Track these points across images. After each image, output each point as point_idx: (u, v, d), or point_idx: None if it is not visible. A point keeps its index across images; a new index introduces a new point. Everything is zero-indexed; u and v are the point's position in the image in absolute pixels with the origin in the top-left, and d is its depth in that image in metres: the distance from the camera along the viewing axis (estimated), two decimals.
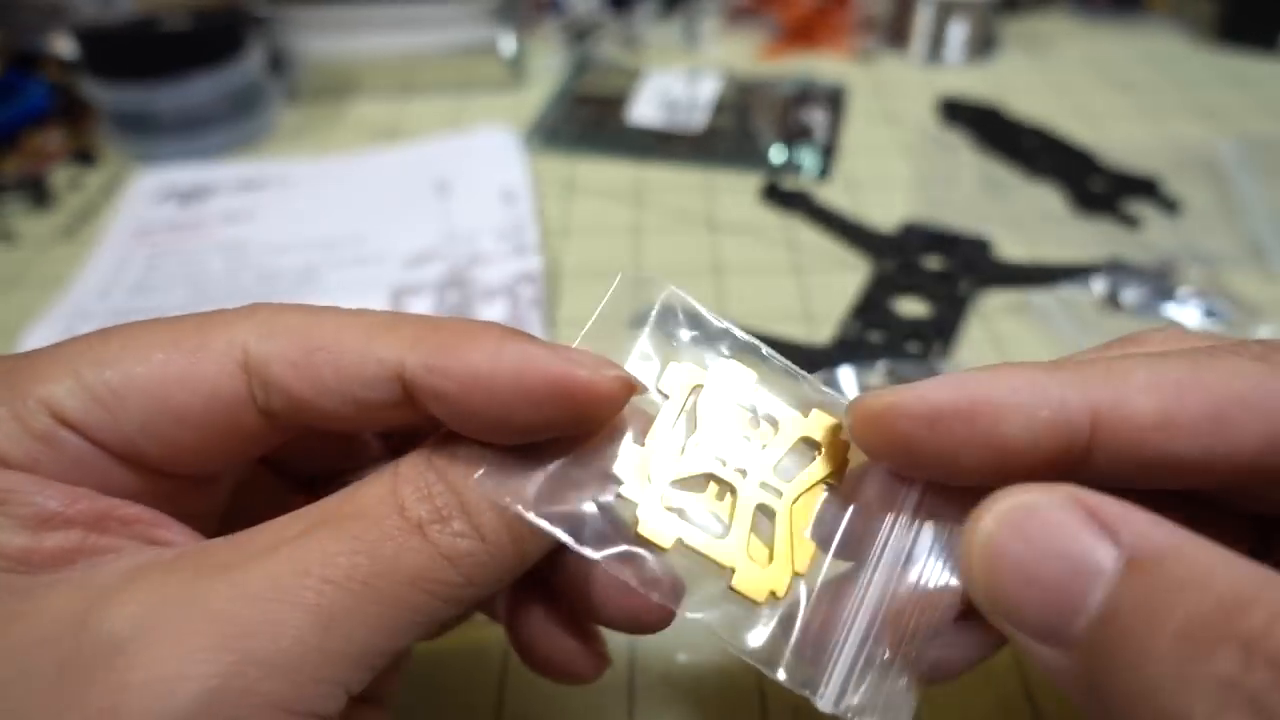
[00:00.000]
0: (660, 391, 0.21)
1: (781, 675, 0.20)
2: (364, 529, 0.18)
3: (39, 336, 0.47)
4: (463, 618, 0.27)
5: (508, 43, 0.71)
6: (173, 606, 0.16)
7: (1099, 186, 0.57)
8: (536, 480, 0.19)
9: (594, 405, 0.18)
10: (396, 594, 0.17)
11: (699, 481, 0.21)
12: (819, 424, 0.21)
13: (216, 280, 0.51)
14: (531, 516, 0.19)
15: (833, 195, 0.58)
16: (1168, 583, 0.14)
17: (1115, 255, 0.50)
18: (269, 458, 0.24)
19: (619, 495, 0.20)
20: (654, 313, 0.22)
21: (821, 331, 0.47)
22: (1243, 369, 0.17)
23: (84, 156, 0.64)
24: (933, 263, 0.51)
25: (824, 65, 0.75)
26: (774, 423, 0.21)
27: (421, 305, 0.48)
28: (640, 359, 0.21)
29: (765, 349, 0.22)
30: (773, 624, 0.21)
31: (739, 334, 0.22)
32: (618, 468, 0.20)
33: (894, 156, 0.62)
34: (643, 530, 0.20)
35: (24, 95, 0.65)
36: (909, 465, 0.20)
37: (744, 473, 0.21)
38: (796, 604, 0.21)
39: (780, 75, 0.71)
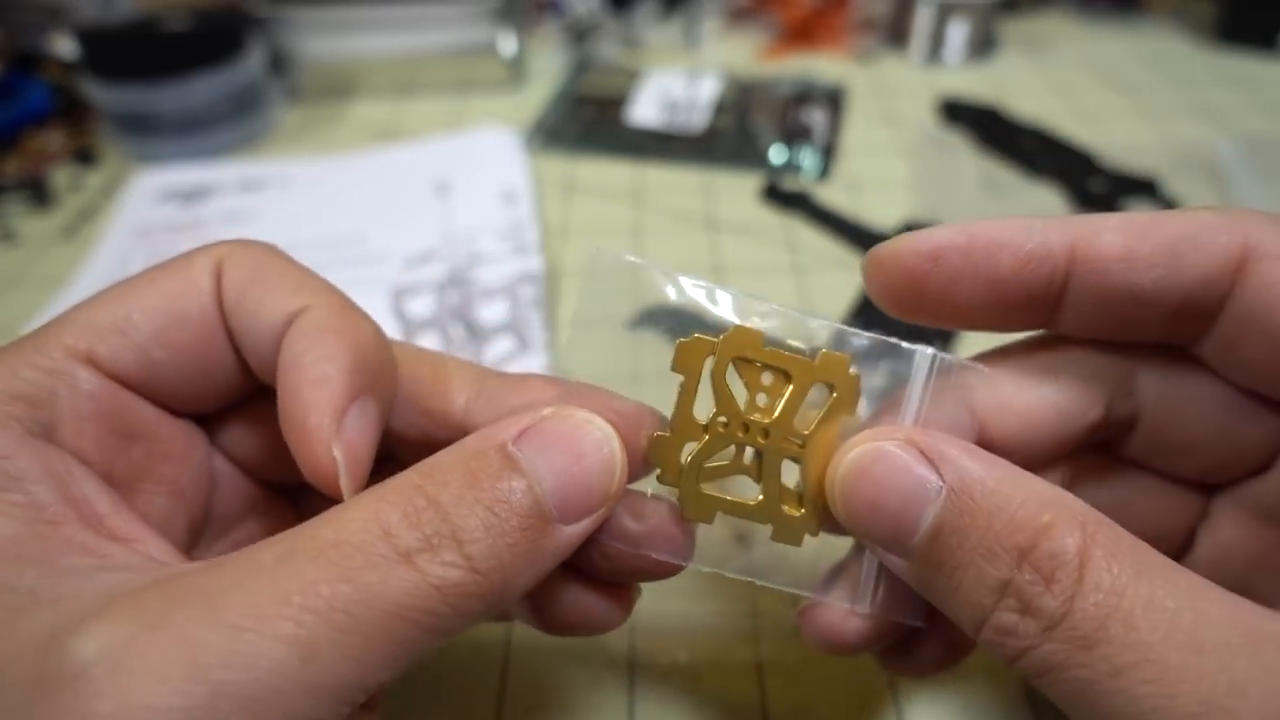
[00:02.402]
0: (675, 371, 0.22)
1: (824, 595, 0.24)
2: (346, 555, 0.17)
3: None
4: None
5: (508, 43, 0.71)
6: (145, 632, 0.16)
7: (1098, 187, 0.58)
8: None
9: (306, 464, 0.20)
10: (380, 625, 0.17)
11: (729, 453, 0.22)
12: (828, 364, 0.22)
13: None
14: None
15: (832, 195, 0.58)
16: (975, 507, 0.19)
17: None
18: (252, 468, 0.25)
19: (659, 482, 0.22)
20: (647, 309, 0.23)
21: None
22: (1198, 216, 0.20)
23: (84, 157, 0.64)
24: None
25: (824, 65, 0.75)
26: (786, 375, 0.22)
27: (421, 305, 0.48)
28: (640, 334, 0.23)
29: (765, 305, 0.22)
30: (806, 559, 0.24)
31: (736, 295, 0.23)
32: (651, 457, 0.22)
33: (893, 157, 0.62)
34: (687, 514, 0.22)
35: (25, 96, 0.65)
36: (914, 303, 0.22)
37: (767, 433, 0.22)
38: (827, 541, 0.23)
39: (780, 76, 0.71)
